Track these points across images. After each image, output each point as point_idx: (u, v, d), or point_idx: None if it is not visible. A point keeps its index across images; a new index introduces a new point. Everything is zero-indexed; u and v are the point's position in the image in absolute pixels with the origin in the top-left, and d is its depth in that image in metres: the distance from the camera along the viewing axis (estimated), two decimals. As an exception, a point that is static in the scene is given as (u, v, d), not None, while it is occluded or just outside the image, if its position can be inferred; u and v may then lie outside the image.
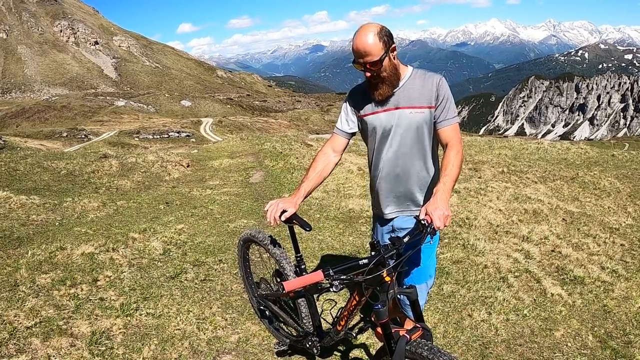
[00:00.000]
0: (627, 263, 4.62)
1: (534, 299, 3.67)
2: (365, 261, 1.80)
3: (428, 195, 2.32)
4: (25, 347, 2.65)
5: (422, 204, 2.33)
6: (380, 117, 2.23)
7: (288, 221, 2.25)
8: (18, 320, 2.88)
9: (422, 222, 1.82)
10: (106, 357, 2.68)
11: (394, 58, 2.10)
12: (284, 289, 1.69)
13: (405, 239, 1.84)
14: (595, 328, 3.36)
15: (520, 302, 3.59)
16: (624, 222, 6.06)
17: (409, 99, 2.18)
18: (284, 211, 2.18)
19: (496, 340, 3.09)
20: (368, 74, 2.08)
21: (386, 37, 2.03)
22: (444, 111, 2.16)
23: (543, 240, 5.02)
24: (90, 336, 2.82)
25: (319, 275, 1.71)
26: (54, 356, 2.61)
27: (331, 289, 1.73)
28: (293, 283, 1.71)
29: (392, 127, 2.21)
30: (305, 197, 2.29)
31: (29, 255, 3.94)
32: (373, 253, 1.84)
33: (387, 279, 1.80)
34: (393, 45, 2.07)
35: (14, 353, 2.59)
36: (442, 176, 2.02)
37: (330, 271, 1.73)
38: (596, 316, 3.53)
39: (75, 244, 4.28)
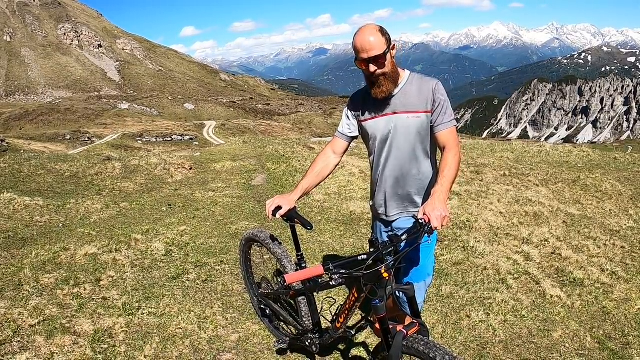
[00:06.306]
0: (627, 265, 4.64)
1: (533, 301, 3.69)
2: (364, 257, 1.85)
3: (426, 197, 2.36)
4: (29, 345, 2.70)
5: (420, 205, 2.37)
6: (378, 122, 2.29)
7: (290, 219, 2.31)
8: (22, 319, 2.92)
9: (420, 221, 1.87)
10: (108, 355, 2.72)
11: (393, 57, 2.17)
12: (285, 281, 1.74)
13: (403, 237, 1.88)
14: (594, 329, 3.38)
15: (519, 303, 3.61)
16: (625, 225, 6.07)
17: (406, 104, 2.23)
18: (279, 207, 2.27)
19: (494, 341, 3.11)
20: (372, 69, 2.11)
21: (387, 34, 2.11)
22: (440, 115, 2.21)
23: (543, 243, 5.03)
24: (93, 334, 2.86)
25: (319, 269, 1.78)
26: (57, 354, 2.65)
27: (331, 283, 1.79)
28: (295, 276, 1.77)
29: (390, 132, 2.27)
30: (303, 194, 2.37)
31: (33, 256, 3.99)
32: (372, 250, 1.88)
33: (385, 275, 1.85)
34: (393, 44, 2.15)
35: (18, 350, 2.63)
36: (439, 178, 2.06)
37: (331, 265, 1.79)
38: (595, 318, 3.55)
39: (79, 245, 4.33)
